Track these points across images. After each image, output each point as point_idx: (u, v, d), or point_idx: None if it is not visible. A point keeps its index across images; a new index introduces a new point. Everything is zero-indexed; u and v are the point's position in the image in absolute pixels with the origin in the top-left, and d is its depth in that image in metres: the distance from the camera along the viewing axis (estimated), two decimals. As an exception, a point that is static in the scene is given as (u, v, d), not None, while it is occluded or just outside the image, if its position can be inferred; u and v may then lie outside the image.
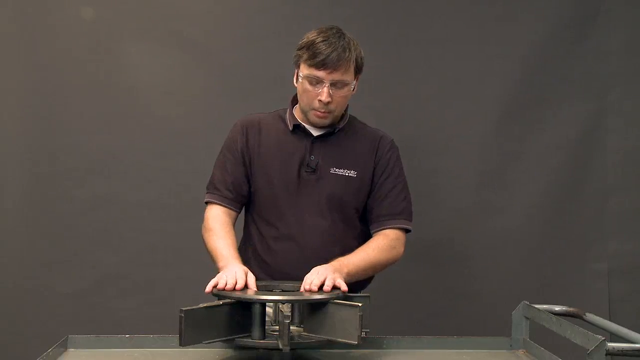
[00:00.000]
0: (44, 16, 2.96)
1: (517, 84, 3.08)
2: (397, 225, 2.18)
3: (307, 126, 2.18)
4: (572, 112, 3.09)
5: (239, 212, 2.22)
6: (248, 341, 1.73)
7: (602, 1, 3.09)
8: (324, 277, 1.84)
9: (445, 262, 3.10)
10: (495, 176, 3.10)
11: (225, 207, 2.17)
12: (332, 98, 2.07)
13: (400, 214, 2.18)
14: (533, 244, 3.10)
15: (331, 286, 1.82)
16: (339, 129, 2.18)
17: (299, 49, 2.11)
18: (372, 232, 2.20)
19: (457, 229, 3.10)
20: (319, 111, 2.10)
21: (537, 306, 1.97)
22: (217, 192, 2.19)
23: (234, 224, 2.18)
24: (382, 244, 2.14)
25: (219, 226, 2.11)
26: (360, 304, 1.67)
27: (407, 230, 2.20)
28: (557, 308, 2.09)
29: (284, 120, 2.21)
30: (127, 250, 3.00)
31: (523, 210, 3.09)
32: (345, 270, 1.98)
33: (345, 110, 2.21)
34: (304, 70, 2.09)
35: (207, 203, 2.20)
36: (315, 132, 2.18)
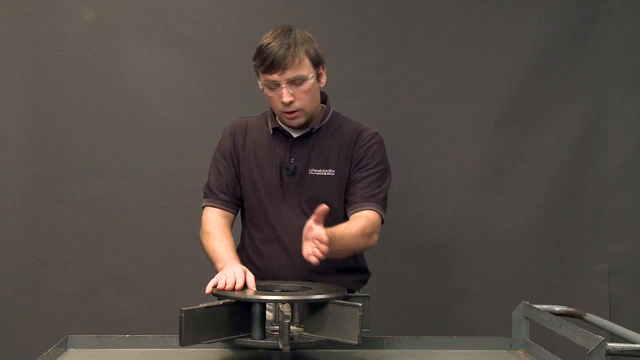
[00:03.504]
0: (44, 16, 2.96)
1: (518, 85, 3.08)
2: (365, 208, 2.07)
3: (286, 128, 2.16)
4: (572, 112, 3.09)
5: (235, 214, 2.21)
6: (248, 341, 1.73)
7: (602, 2, 3.09)
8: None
9: (446, 262, 3.10)
10: (495, 176, 3.09)
11: (221, 209, 2.17)
12: (294, 97, 2.04)
13: (371, 198, 2.09)
14: (533, 244, 3.10)
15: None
16: (318, 129, 2.15)
17: (254, 59, 2.08)
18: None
19: (457, 229, 3.09)
20: (287, 112, 2.07)
21: (537, 306, 1.97)
22: (213, 196, 2.18)
23: (231, 226, 2.17)
24: (352, 225, 2.02)
25: (216, 228, 2.11)
26: (360, 304, 1.67)
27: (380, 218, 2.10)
28: (557, 308, 2.09)
29: (267, 123, 2.20)
30: (127, 251, 3.00)
31: (523, 211, 3.09)
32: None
33: (328, 107, 2.18)
34: (261, 78, 2.07)
35: (204, 207, 2.20)
36: (295, 134, 2.15)
